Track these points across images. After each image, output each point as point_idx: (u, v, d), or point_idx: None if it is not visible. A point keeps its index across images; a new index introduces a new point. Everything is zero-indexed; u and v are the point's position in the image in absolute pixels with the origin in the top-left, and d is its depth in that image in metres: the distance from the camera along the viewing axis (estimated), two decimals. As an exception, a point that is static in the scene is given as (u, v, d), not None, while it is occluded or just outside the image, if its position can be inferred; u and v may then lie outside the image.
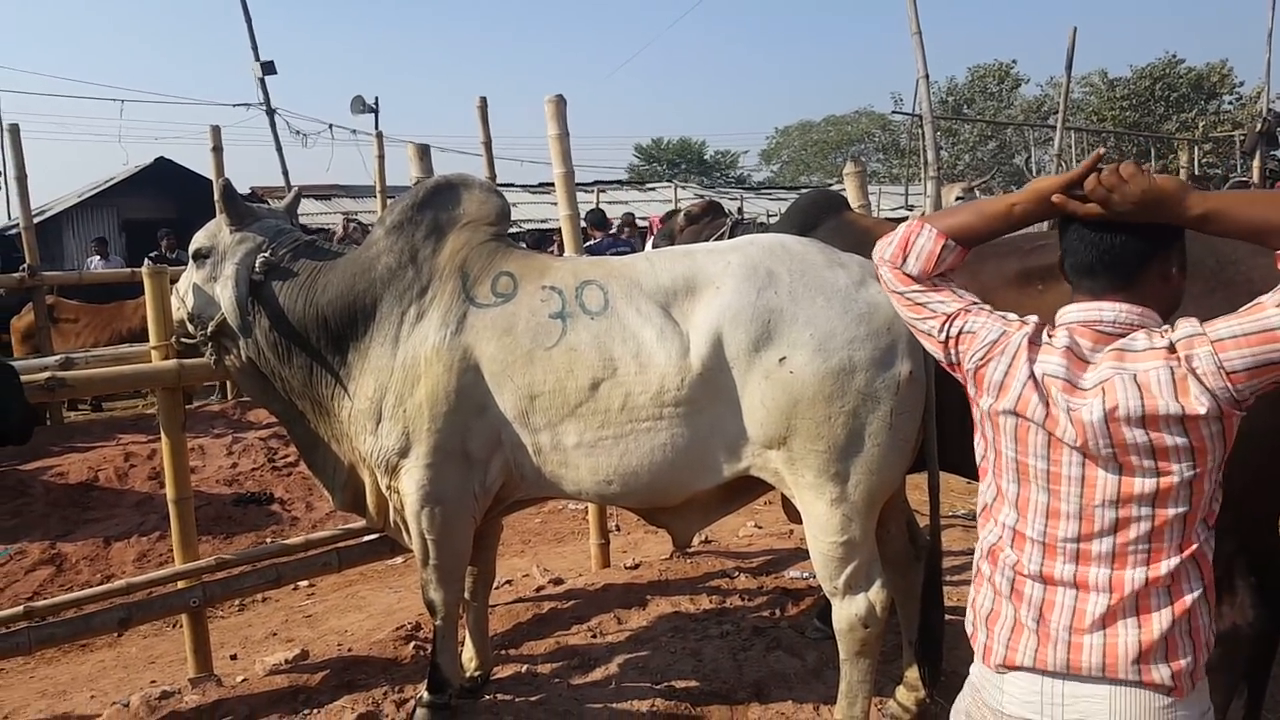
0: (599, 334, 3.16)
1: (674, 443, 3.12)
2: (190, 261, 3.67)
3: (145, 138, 70.65)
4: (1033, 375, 1.75)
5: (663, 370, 3.07)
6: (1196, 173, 16.51)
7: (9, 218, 14.95)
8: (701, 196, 24.65)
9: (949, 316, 1.90)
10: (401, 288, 3.36)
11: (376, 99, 21.99)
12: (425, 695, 3.61)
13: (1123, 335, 1.74)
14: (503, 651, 4.28)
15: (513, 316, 3.25)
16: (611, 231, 11.08)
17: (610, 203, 24.61)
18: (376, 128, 20.48)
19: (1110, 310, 1.76)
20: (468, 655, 3.94)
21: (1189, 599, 1.70)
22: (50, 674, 4.49)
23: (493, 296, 3.30)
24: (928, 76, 9.34)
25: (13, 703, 4.11)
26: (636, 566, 5.34)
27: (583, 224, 9.58)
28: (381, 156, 9.84)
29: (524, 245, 4.57)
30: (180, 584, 4.00)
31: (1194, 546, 1.72)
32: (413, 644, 4.32)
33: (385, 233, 3.46)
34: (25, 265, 8.28)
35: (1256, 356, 1.59)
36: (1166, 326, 1.75)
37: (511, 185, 23.12)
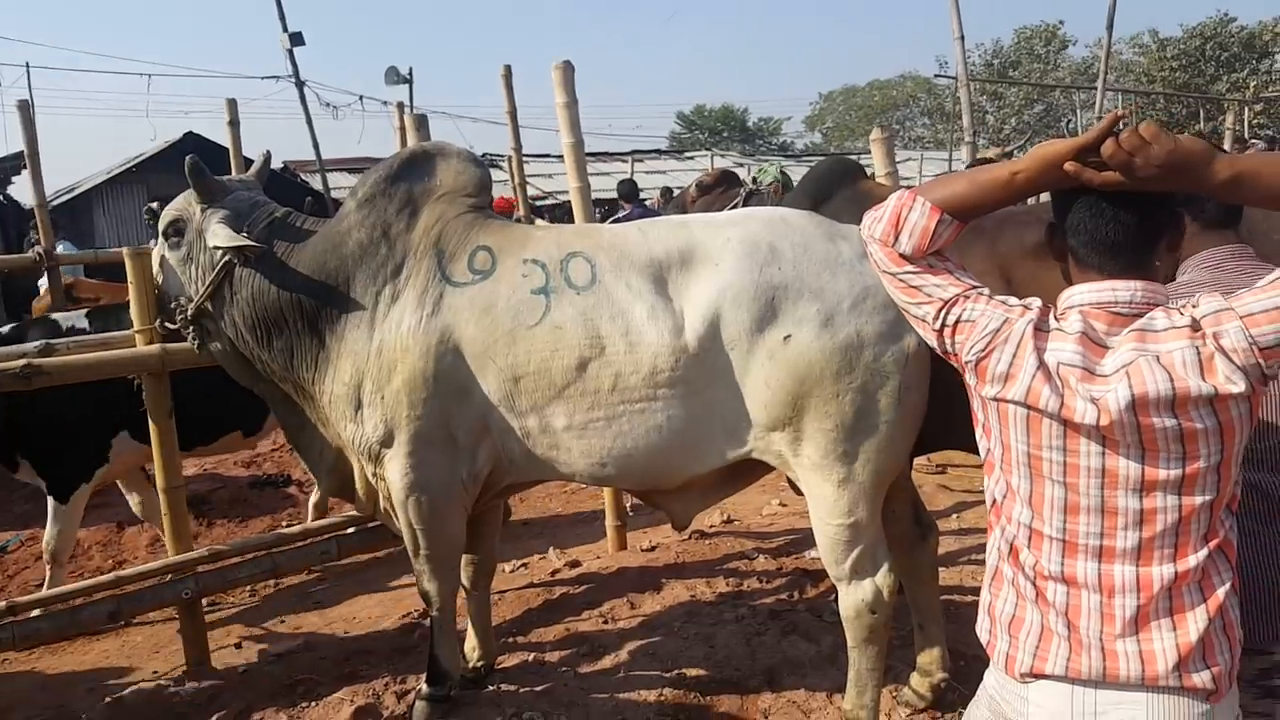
0: (585, 310, 2.98)
1: (669, 425, 2.96)
2: (161, 241, 3.53)
3: (175, 112, 71.13)
4: (1043, 364, 1.61)
5: (655, 349, 2.91)
6: (1246, 136, 15.90)
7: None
8: (742, 165, 24.35)
9: (946, 303, 1.74)
10: (375, 266, 3.19)
11: (410, 70, 21.83)
12: (424, 688, 3.52)
13: (1139, 315, 1.58)
14: (511, 639, 4.19)
15: (492, 295, 3.07)
16: (646, 201, 10.87)
17: (647, 172, 24.38)
18: (410, 99, 20.34)
19: (1125, 290, 1.62)
20: (470, 645, 3.83)
21: (1221, 593, 1.61)
22: (54, 664, 4.42)
23: (470, 274, 3.12)
24: (963, 38, 9.11)
25: (12, 694, 4.05)
26: (654, 549, 5.20)
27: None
28: (403, 128, 9.67)
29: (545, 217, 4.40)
30: (170, 576, 3.91)
31: (1220, 535, 1.63)
32: (418, 633, 4.24)
33: (357, 206, 3.29)
34: (38, 246, 8.21)
35: None
36: (1183, 303, 1.59)
37: (547, 155, 22.94)
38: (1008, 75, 35.21)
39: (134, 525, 5.94)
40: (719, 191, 5.06)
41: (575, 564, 5.11)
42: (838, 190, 3.85)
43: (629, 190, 10.14)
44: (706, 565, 4.93)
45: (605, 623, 4.30)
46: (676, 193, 13.97)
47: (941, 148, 31.32)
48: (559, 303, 3.01)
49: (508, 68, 7.88)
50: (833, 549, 2.97)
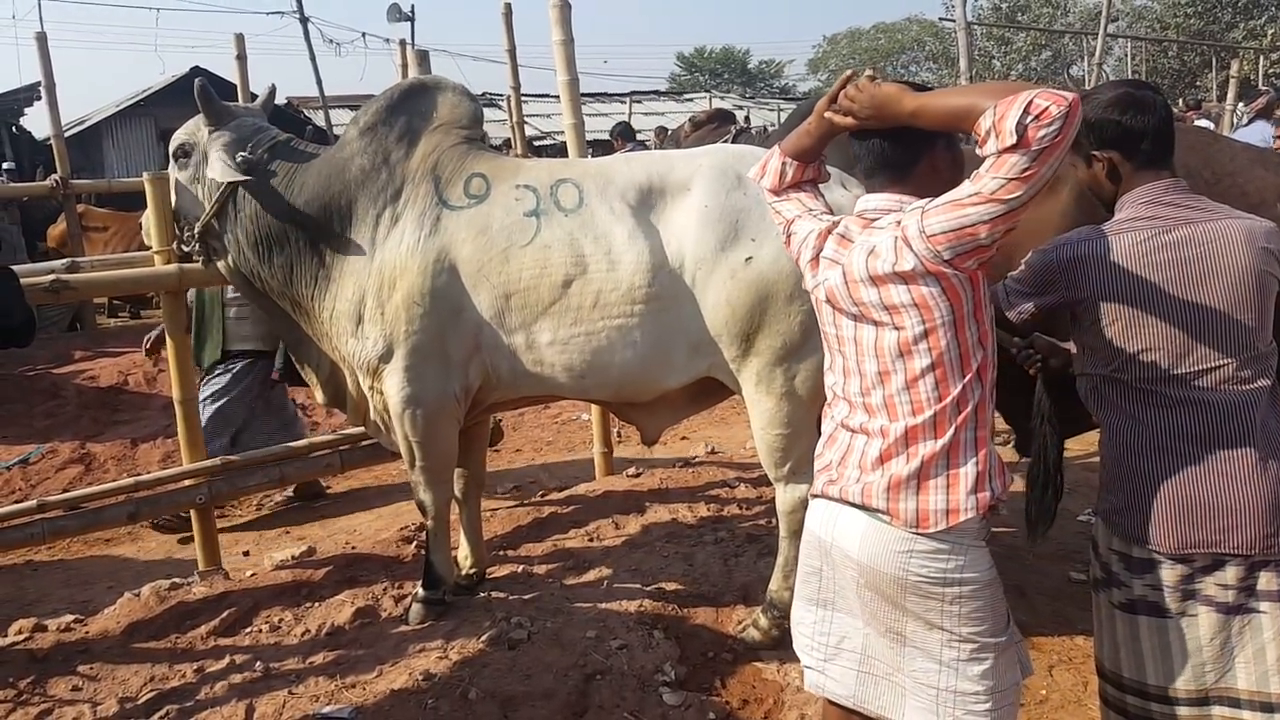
0: (572, 231, 3.22)
1: (644, 339, 3.22)
2: (171, 163, 3.71)
3: (181, 47, 71.05)
4: (815, 259, 2.12)
5: (633, 268, 3.16)
6: (1260, 84, 15.69)
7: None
8: (741, 108, 24.24)
9: (788, 221, 2.25)
10: (375, 190, 3.40)
11: (413, 6, 21.74)
12: (420, 591, 3.74)
13: (881, 218, 2.03)
14: (501, 552, 4.40)
15: (487, 216, 3.30)
16: (643, 142, 11.08)
17: (646, 114, 24.23)
18: (412, 37, 20.29)
19: (872, 200, 2.09)
20: (463, 554, 4.05)
21: (941, 445, 1.96)
22: (77, 566, 4.72)
23: (466, 199, 3.34)
24: (963, -18, 9.18)
25: (39, 591, 4.35)
26: (639, 475, 5.43)
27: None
28: (405, 66, 9.77)
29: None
30: (187, 482, 4.17)
31: (952, 395, 1.96)
32: (414, 544, 4.46)
33: (359, 134, 3.48)
34: (55, 175, 8.39)
35: (949, 221, 1.86)
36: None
37: (546, 95, 22.82)
38: (1016, 20, 34.69)
39: (147, 441, 6.22)
40: (711, 128, 5.26)
41: (563, 488, 5.33)
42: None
43: (624, 130, 10.44)
44: (689, 492, 5.14)
45: (590, 541, 4.52)
46: (671, 131, 14.14)
47: (947, 94, 31.01)
48: (548, 224, 3.24)
49: (508, 6, 8.00)
50: (770, 454, 3.29)
